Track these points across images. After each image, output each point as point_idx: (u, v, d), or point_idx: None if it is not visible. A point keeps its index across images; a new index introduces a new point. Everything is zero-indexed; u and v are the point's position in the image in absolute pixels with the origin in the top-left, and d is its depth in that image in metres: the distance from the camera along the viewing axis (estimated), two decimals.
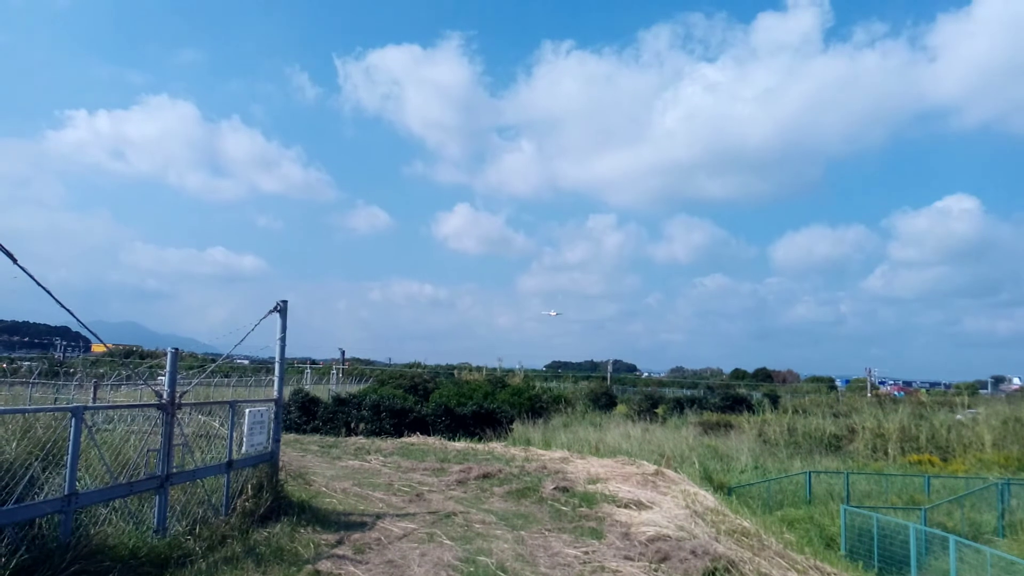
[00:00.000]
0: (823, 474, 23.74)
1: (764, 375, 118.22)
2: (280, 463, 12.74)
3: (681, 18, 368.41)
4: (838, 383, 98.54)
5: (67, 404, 29.08)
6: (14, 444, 7.73)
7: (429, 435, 26.72)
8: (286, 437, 20.58)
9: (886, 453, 30.87)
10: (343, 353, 67.45)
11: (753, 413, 41.32)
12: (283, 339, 12.79)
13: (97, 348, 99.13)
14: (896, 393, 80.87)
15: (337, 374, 59.92)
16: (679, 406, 46.69)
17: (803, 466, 25.57)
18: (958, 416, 36.97)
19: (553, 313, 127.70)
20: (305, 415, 28.76)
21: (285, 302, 12.69)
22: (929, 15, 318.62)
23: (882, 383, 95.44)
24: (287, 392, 25.88)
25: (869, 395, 65.17)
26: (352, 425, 28.40)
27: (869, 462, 29.49)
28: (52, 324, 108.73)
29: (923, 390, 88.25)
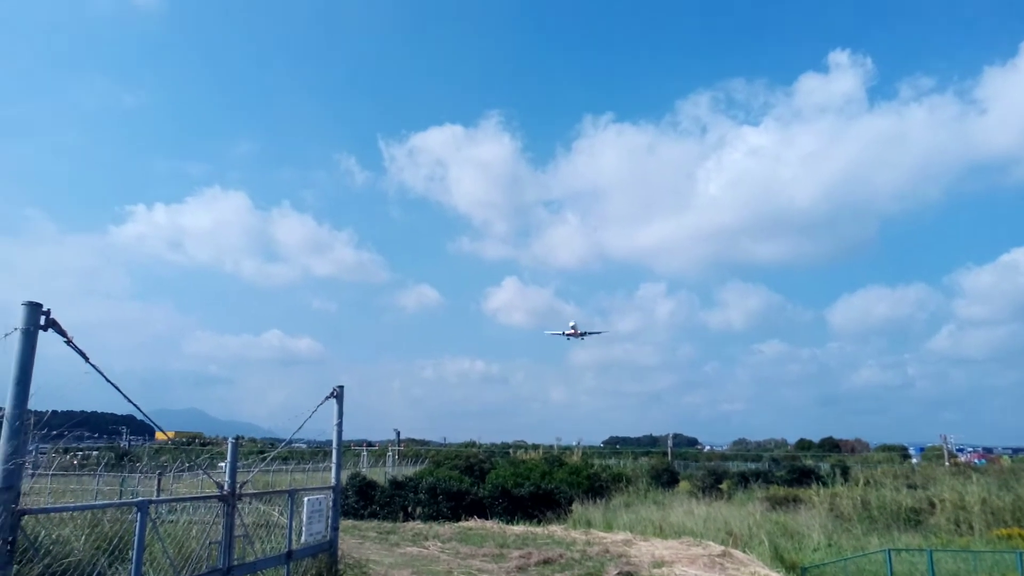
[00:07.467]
0: (904, 552, 22.32)
1: (831, 445, 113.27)
2: (339, 551, 12.63)
3: (721, 84, 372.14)
4: (911, 451, 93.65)
5: (132, 494, 29.56)
6: (82, 540, 7.86)
7: (487, 518, 26.28)
8: (344, 523, 20.45)
9: (971, 527, 28.92)
10: (398, 434, 67.42)
11: (823, 486, 39.42)
12: (340, 424, 12.90)
13: (161, 436, 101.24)
14: (976, 460, 76.33)
15: (393, 456, 59.74)
16: (744, 480, 44.98)
17: (881, 543, 24.11)
18: None
19: (572, 327, 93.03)
20: (363, 500, 28.62)
21: (341, 387, 12.85)
22: (975, 69, 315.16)
23: (960, 450, 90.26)
24: (344, 476, 25.87)
25: (947, 464, 61.67)
26: (409, 509, 28.11)
27: (953, 537, 27.62)
28: (118, 413, 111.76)
29: (1005, 456, 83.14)
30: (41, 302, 6.74)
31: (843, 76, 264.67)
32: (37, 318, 6.68)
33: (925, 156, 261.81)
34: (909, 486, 38.00)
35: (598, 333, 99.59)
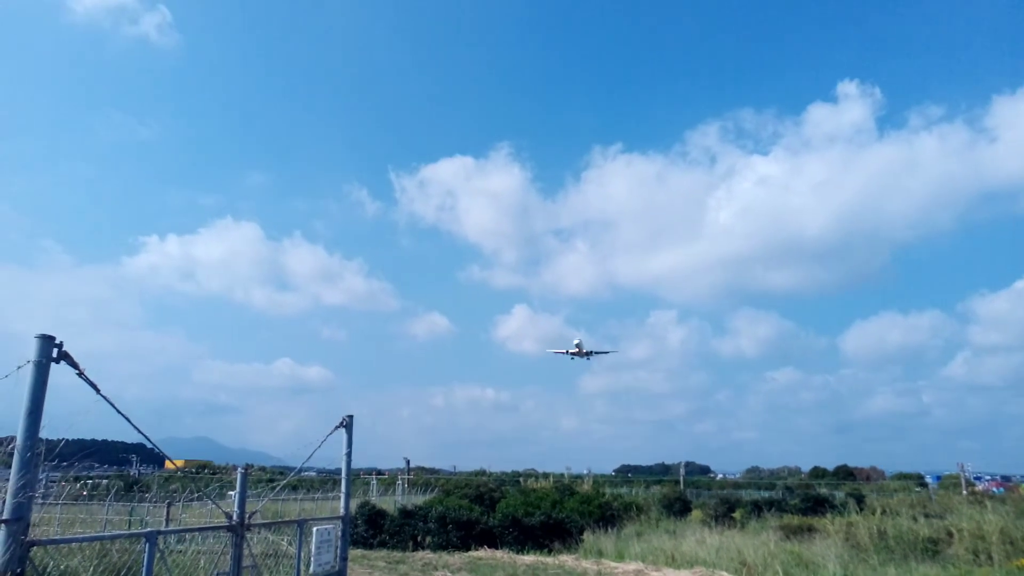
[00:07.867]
0: None
1: (846, 473, 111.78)
2: None
3: (730, 115, 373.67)
4: (928, 480, 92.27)
5: (141, 523, 29.49)
6: (90, 571, 7.86)
7: (496, 548, 26.06)
8: (353, 552, 20.31)
9: (990, 557, 28.37)
10: (408, 462, 67.11)
11: (838, 515, 38.81)
12: (349, 454, 12.87)
13: (171, 465, 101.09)
14: (994, 489, 74.99)
15: (403, 485, 59.41)
16: (757, 509, 44.37)
17: (898, 574, 23.72)
18: None
19: (576, 345, 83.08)
20: (372, 528, 28.43)
21: (351, 417, 12.83)
22: (984, 97, 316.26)
23: (978, 479, 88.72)
24: (353, 505, 25.74)
25: (964, 492, 60.67)
26: (419, 538, 27.90)
27: (972, 568, 27.09)
28: (129, 442, 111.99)
29: None
30: (54, 335, 6.81)
31: (852, 106, 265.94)
32: (50, 351, 6.74)
33: (936, 184, 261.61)
34: (926, 515, 37.35)
35: (606, 353, 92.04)
